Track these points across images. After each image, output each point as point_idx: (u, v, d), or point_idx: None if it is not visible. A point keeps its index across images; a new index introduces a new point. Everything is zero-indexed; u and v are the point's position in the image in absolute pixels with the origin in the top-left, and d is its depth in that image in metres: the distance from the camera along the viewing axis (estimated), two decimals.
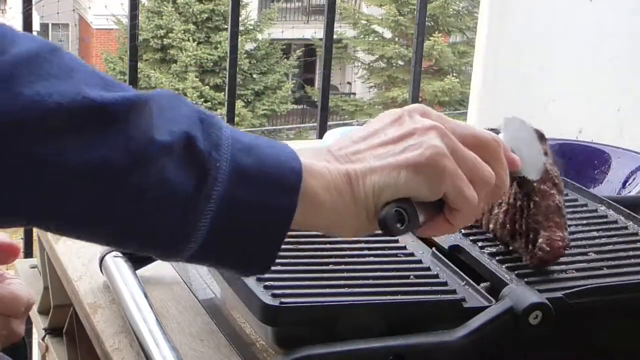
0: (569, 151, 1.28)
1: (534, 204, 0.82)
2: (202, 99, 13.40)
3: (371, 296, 0.75)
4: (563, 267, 0.83)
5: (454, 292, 0.78)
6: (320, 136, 1.94)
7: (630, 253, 0.86)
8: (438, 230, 0.70)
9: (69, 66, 0.59)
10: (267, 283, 0.75)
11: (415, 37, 2.13)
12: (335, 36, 2.29)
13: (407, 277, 0.80)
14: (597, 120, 1.70)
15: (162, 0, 14.03)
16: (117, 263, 0.97)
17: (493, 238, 0.88)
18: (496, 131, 0.75)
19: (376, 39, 15.38)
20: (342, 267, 0.80)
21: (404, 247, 0.86)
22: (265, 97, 14.44)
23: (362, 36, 15.39)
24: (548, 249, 0.81)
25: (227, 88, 2.09)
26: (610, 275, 0.82)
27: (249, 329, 0.90)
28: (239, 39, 2.85)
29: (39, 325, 1.37)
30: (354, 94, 16.14)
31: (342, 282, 0.77)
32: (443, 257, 0.84)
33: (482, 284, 0.81)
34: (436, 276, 0.81)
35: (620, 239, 0.89)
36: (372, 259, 0.83)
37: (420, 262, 0.83)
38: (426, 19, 2.26)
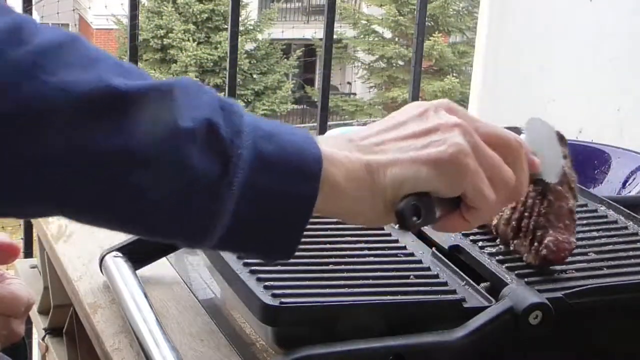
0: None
1: (547, 202, 0.82)
2: None
3: (371, 296, 0.75)
4: (563, 267, 0.83)
5: (454, 292, 0.78)
6: None
7: (630, 253, 0.86)
8: (453, 226, 0.71)
9: (91, 55, 0.60)
10: (267, 283, 0.75)
11: (415, 37, 2.13)
12: (335, 36, 2.29)
13: (407, 277, 0.80)
14: (597, 120, 1.70)
15: (162, 0, 14.04)
16: (117, 263, 0.97)
17: (493, 238, 0.88)
18: (518, 131, 0.75)
19: (376, 39, 15.38)
20: (342, 267, 0.80)
21: (404, 247, 0.86)
22: (265, 97, 14.45)
23: (362, 36, 15.39)
24: (554, 249, 0.81)
25: (227, 88, 2.09)
26: (610, 275, 0.82)
27: (249, 329, 0.90)
28: (239, 39, 2.85)
29: (39, 325, 1.37)
30: (354, 94, 16.14)
31: (342, 282, 0.77)
32: (443, 257, 0.84)
33: (482, 284, 0.81)
34: (436, 276, 0.81)
35: (620, 239, 0.89)
36: (372, 259, 0.83)
37: (420, 262, 0.83)
38: (426, 19, 2.26)
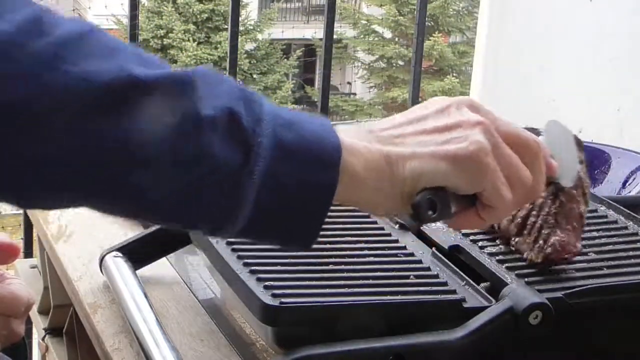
0: None
1: (559, 203, 0.82)
2: None
3: (371, 296, 0.75)
4: (563, 267, 0.83)
5: (454, 292, 0.78)
6: None
7: (630, 253, 0.86)
8: (467, 223, 0.71)
9: (111, 45, 0.60)
10: (267, 283, 0.75)
11: (415, 37, 2.13)
12: (335, 36, 2.29)
13: (407, 277, 0.80)
14: (597, 120, 1.70)
15: (162, 0, 14.03)
16: (117, 263, 0.97)
17: (493, 238, 0.88)
18: (536, 132, 0.75)
19: (376, 39, 15.37)
20: (342, 267, 0.80)
21: (404, 247, 0.86)
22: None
23: (362, 36, 15.39)
24: (559, 248, 0.81)
25: None
26: (610, 275, 0.82)
27: (249, 329, 0.90)
28: (239, 39, 2.85)
29: (39, 325, 1.38)
30: (354, 94, 16.14)
31: (342, 282, 0.77)
32: (443, 257, 0.84)
33: (482, 284, 0.81)
34: (436, 276, 0.81)
35: (620, 239, 0.89)
36: (372, 259, 0.83)
37: (420, 262, 0.83)
38: (426, 19, 2.26)
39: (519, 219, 0.85)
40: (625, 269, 0.83)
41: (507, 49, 2.03)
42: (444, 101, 0.71)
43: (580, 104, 1.77)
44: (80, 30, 0.59)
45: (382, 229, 0.89)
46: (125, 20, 7.18)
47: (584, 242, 0.88)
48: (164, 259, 1.03)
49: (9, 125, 0.56)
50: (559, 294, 0.77)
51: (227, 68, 2.06)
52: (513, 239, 0.86)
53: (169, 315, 0.93)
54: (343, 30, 14.71)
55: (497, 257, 0.85)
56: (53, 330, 1.33)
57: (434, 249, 0.87)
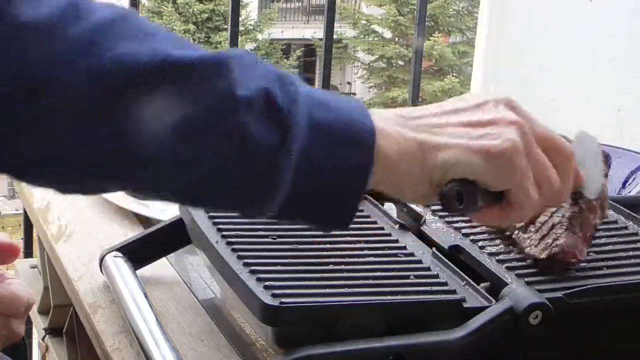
0: None
1: (578, 209, 0.83)
2: None
3: (371, 296, 0.75)
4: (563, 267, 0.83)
5: (454, 292, 0.78)
6: None
7: (630, 253, 0.86)
8: (491, 219, 0.72)
9: (147, 28, 0.61)
10: (267, 283, 0.75)
11: (415, 37, 2.13)
12: (335, 36, 2.29)
13: (407, 277, 0.80)
14: (597, 120, 1.70)
15: (162, 0, 14.03)
16: (117, 263, 0.97)
17: (493, 238, 0.88)
18: (566, 139, 0.76)
19: (376, 39, 15.37)
20: (342, 267, 0.80)
21: (404, 247, 0.86)
22: None
23: (362, 36, 15.39)
24: (567, 250, 0.81)
25: None
26: (610, 275, 0.82)
27: (249, 329, 0.90)
28: (239, 39, 2.85)
29: (39, 325, 1.38)
30: (354, 94, 16.13)
31: (342, 282, 0.77)
32: (443, 257, 0.84)
33: (482, 284, 0.81)
34: (436, 276, 0.81)
35: (620, 239, 0.89)
36: (372, 259, 0.83)
37: (420, 262, 0.83)
38: (426, 19, 2.26)
39: None
40: (625, 269, 0.83)
41: (507, 49, 2.03)
42: (481, 97, 0.71)
43: (580, 104, 1.77)
44: (116, 14, 0.60)
45: (382, 229, 0.89)
46: None
47: None
48: (164, 259, 1.03)
49: (39, 104, 0.57)
50: (559, 294, 0.77)
51: None
52: (516, 232, 0.86)
53: (169, 315, 0.93)
54: (343, 30, 14.70)
55: (497, 257, 0.85)
56: (53, 330, 1.33)
57: (434, 249, 0.87)
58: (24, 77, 0.56)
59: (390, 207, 0.95)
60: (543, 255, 0.82)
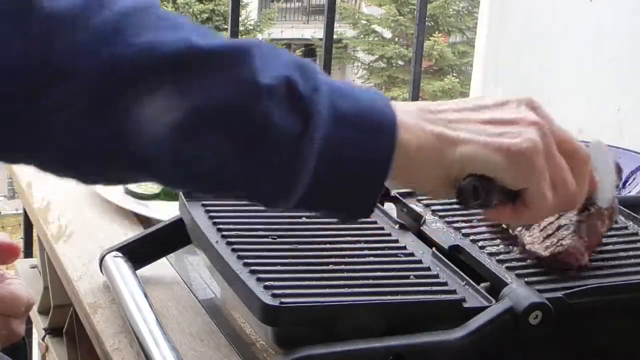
0: None
1: (587, 216, 0.83)
2: None
3: (371, 296, 0.75)
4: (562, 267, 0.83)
5: (454, 292, 0.78)
6: None
7: (630, 253, 0.86)
8: (504, 217, 0.73)
9: (169, 17, 0.61)
10: (267, 283, 0.75)
11: (415, 37, 2.13)
12: (335, 36, 2.29)
13: (407, 277, 0.80)
14: (597, 120, 1.70)
15: (162, 0, 14.04)
16: (117, 263, 0.97)
17: (493, 238, 0.88)
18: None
19: (376, 39, 15.37)
20: (342, 267, 0.80)
21: (404, 247, 0.86)
22: None
23: (362, 36, 15.39)
24: (571, 252, 0.81)
25: None
26: (610, 275, 0.82)
27: (249, 329, 0.90)
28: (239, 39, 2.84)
29: (39, 325, 1.38)
30: None
31: (342, 282, 0.77)
32: (443, 257, 0.84)
33: (482, 284, 0.81)
34: (436, 276, 0.81)
35: (620, 239, 0.89)
36: (372, 259, 0.83)
37: (420, 262, 0.83)
38: (426, 19, 2.26)
39: None
40: (625, 269, 0.83)
41: (507, 49, 2.03)
42: (504, 96, 0.72)
43: (580, 104, 1.77)
44: (140, 3, 0.60)
45: (382, 229, 0.89)
46: None
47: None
48: (164, 259, 1.03)
49: (65, 92, 0.57)
50: (559, 294, 0.77)
51: None
52: (519, 229, 0.86)
53: (169, 315, 0.93)
54: (343, 30, 14.71)
55: (497, 257, 0.84)
56: (53, 330, 1.33)
57: (434, 249, 0.87)
58: (49, 67, 0.56)
59: (390, 207, 0.95)
60: (546, 253, 0.82)
